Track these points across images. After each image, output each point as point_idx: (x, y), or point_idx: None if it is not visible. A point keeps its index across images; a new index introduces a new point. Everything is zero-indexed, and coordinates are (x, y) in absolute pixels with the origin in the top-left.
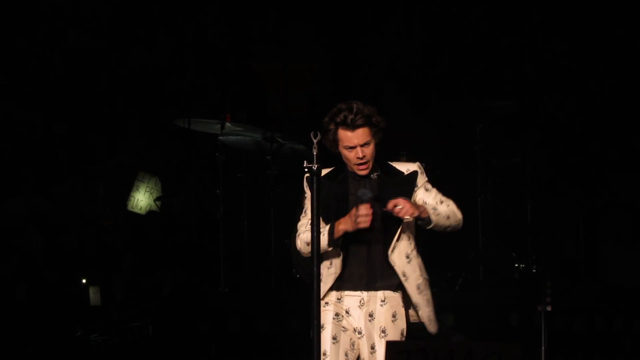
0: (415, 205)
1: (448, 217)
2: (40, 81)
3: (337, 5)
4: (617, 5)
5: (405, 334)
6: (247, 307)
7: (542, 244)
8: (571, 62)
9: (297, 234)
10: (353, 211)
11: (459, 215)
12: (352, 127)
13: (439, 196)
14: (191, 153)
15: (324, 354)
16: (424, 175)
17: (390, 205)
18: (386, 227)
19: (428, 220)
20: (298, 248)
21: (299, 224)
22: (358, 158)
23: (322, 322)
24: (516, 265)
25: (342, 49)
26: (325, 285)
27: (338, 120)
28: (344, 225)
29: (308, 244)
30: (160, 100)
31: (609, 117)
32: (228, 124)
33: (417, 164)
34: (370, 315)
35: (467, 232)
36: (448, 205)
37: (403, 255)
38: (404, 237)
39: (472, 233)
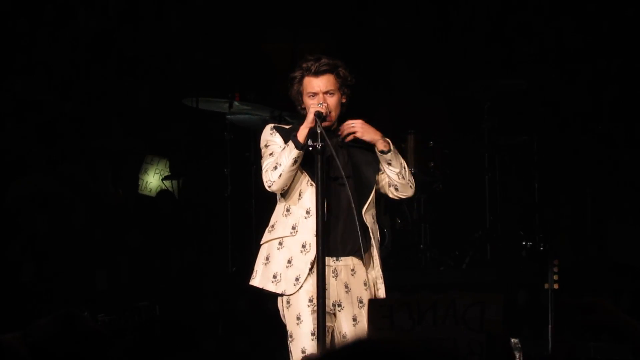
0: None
1: (404, 168)
2: (48, 62)
3: None
4: None
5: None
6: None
7: (549, 222)
8: (579, 40)
9: (264, 170)
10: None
11: (408, 179)
12: (316, 73)
13: None
14: (199, 132)
15: (303, 352)
16: None
17: (345, 126)
18: (357, 185)
19: (388, 151)
20: (267, 180)
21: (264, 163)
22: (322, 105)
23: (297, 312)
24: (523, 243)
25: (351, 27)
26: (304, 236)
27: (304, 66)
28: (305, 123)
29: (276, 167)
30: (169, 79)
31: (617, 95)
32: (236, 103)
33: None
34: (346, 286)
35: (475, 210)
36: (405, 167)
37: (372, 213)
38: (372, 199)
39: (479, 211)
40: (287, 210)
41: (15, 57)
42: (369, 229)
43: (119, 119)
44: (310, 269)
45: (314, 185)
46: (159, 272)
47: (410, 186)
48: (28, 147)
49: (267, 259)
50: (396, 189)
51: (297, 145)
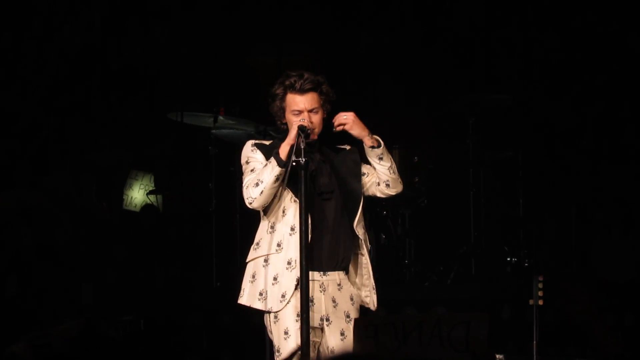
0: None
1: (393, 163)
2: (34, 75)
3: None
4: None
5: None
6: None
7: (534, 237)
8: (564, 56)
9: (245, 186)
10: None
11: (397, 175)
12: (301, 90)
13: None
14: (184, 147)
15: None
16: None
17: (337, 117)
18: (345, 199)
19: (379, 146)
20: (248, 197)
21: (245, 179)
22: (308, 122)
23: (285, 327)
24: (508, 259)
25: (336, 42)
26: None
27: (287, 83)
28: (287, 140)
29: (257, 184)
30: (154, 93)
31: (601, 111)
32: (221, 118)
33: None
34: (334, 300)
35: (459, 226)
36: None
37: (363, 225)
38: (361, 210)
39: (464, 226)
40: (272, 227)
41: (0, 69)
42: (361, 240)
43: (104, 133)
44: (297, 285)
45: (298, 201)
46: (144, 287)
47: (400, 182)
48: (12, 161)
49: (254, 276)
50: (387, 186)
51: (280, 163)
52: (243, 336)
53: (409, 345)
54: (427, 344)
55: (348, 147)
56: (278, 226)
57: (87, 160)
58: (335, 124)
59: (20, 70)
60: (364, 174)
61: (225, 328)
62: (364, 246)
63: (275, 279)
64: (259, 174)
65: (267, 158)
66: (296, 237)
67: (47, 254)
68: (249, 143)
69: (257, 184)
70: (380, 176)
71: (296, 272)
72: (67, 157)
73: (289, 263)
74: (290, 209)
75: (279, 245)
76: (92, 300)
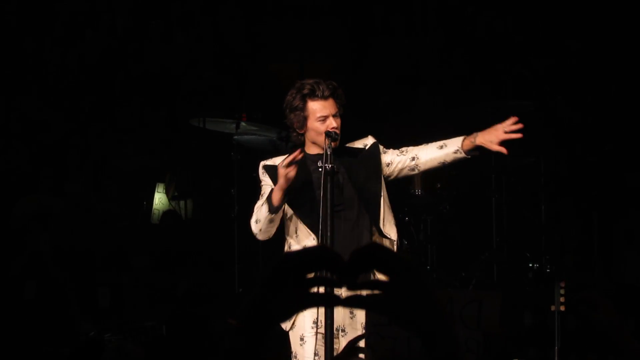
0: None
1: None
2: (56, 81)
3: (353, 3)
4: (633, 5)
5: None
6: None
7: (556, 244)
8: (586, 62)
9: (252, 215)
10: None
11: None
12: (323, 96)
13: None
14: (206, 153)
15: None
16: (381, 146)
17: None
18: (365, 206)
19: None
20: (252, 230)
21: (255, 206)
22: (334, 127)
23: (301, 333)
24: (530, 265)
25: (359, 48)
26: None
27: (305, 92)
28: (277, 186)
29: (256, 222)
30: (176, 99)
31: (625, 117)
32: (243, 124)
33: (370, 136)
34: (351, 312)
35: (481, 232)
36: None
37: (389, 223)
38: (384, 208)
39: (486, 232)
40: (289, 246)
41: (23, 76)
42: (390, 240)
43: (126, 140)
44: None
45: (302, 225)
46: (166, 293)
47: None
48: (35, 167)
49: None
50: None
51: (271, 209)
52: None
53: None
54: None
55: (368, 143)
56: (292, 246)
57: (109, 166)
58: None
59: (42, 76)
60: (389, 163)
61: None
62: (396, 243)
63: None
64: (257, 212)
65: (276, 179)
66: (306, 233)
67: (65, 259)
68: (260, 166)
69: (256, 221)
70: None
71: None
72: (89, 163)
73: None
74: (300, 229)
75: None
76: (108, 304)
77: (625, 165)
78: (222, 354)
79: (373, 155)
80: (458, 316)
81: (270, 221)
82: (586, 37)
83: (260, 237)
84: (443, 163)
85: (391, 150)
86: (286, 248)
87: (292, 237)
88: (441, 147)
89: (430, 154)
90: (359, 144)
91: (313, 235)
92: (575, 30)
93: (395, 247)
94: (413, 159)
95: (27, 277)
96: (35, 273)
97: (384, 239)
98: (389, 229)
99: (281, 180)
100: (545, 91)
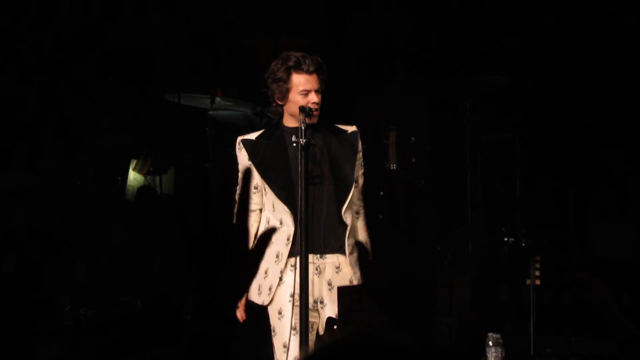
0: None
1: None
2: (31, 57)
3: None
4: None
5: None
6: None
7: (531, 218)
8: (562, 37)
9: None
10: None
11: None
12: (308, 71)
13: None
14: (181, 128)
15: (285, 347)
16: (360, 140)
17: None
18: (336, 184)
19: None
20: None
21: (237, 195)
22: (314, 103)
23: (279, 306)
24: (505, 239)
25: (335, 24)
26: (278, 247)
27: (291, 64)
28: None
29: None
30: (151, 75)
31: (600, 92)
32: (218, 99)
33: (355, 126)
34: (329, 283)
35: (456, 207)
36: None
37: (351, 212)
38: (351, 197)
39: (461, 207)
40: (267, 222)
41: None
42: (348, 228)
43: (102, 116)
44: (292, 267)
45: (278, 201)
46: (141, 268)
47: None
48: (9, 143)
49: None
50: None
51: None
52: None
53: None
54: None
55: (350, 130)
56: (271, 220)
57: (84, 142)
58: None
59: (16, 52)
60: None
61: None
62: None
63: (266, 272)
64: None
65: (252, 153)
66: (283, 230)
67: (40, 234)
68: (237, 141)
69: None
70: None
71: (281, 265)
72: (65, 140)
73: (277, 256)
74: (277, 204)
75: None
76: (86, 279)
77: (600, 141)
78: None
79: (353, 141)
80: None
81: None
82: (561, 11)
83: None
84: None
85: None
86: (264, 222)
87: (270, 212)
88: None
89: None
90: (342, 127)
91: (288, 209)
92: (551, 4)
93: (347, 231)
94: (358, 207)
95: (4, 251)
96: (11, 247)
97: (339, 222)
98: (347, 216)
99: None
100: (520, 66)
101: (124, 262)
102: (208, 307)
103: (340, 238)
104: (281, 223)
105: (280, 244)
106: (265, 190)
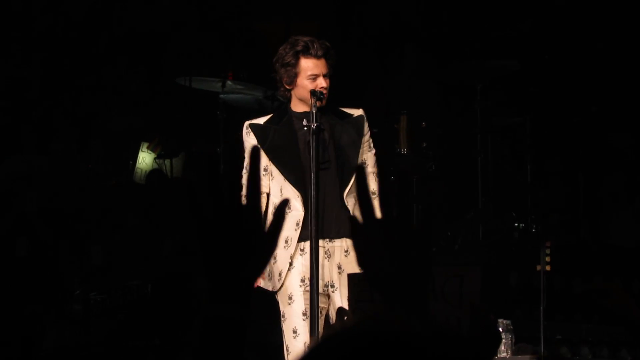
0: None
1: None
2: (41, 39)
3: None
4: None
5: None
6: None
7: (542, 203)
8: (572, 22)
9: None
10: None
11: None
12: (316, 55)
13: (375, 165)
14: (192, 111)
15: (295, 332)
16: (367, 123)
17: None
18: (341, 168)
19: None
20: None
21: (243, 180)
22: (323, 87)
23: (289, 292)
24: (516, 224)
25: (344, 7)
26: (286, 232)
27: (299, 48)
28: None
29: None
30: (162, 58)
31: (611, 77)
32: (229, 83)
33: (362, 110)
34: (339, 267)
35: (467, 191)
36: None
37: (354, 196)
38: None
39: (471, 192)
40: (274, 207)
41: (7, 35)
42: (351, 212)
43: (112, 99)
44: (302, 251)
45: (287, 184)
46: (152, 252)
47: None
48: (20, 126)
49: None
50: None
51: None
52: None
53: None
54: None
55: (356, 113)
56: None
57: (95, 125)
58: None
59: (27, 34)
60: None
61: None
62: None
63: (274, 258)
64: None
65: (261, 138)
66: (292, 215)
67: (53, 217)
68: (244, 125)
69: None
70: None
71: (290, 250)
72: (75, 123)
73: (286, 242)
74: (285, 188)
75: None
76: (101, 261)
77: (610, 125)
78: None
79: (358, 125)
80: (440, 293)
81: None
82: None
83: None
84: None
85: (372, 151)
86: (271, 208)
87: (276, 197)
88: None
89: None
90: (348, 110)
91: (297, 192)
92: None
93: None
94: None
95: (17, 235)
96: (24, 231)
97: (342, 207)
98: (349, 200)
99: None
100: (531, 50)
101: (135, 246)
102: (222, 290)
103: (345, 222)
104: (289, 208)
105: (289, 229)
106: (272, 174)
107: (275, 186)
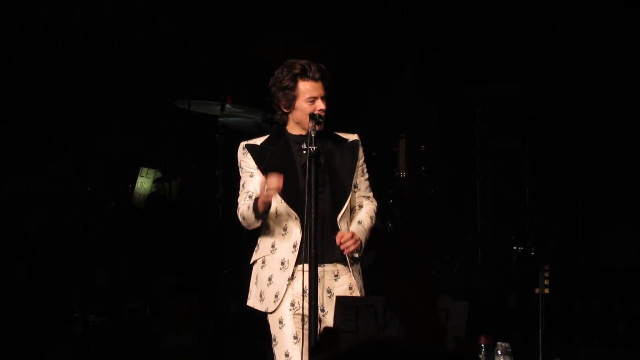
0: (355, 239)
1: (369, 231)
2: (41, 61)
3: None
4: None
5: None
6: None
7: (540, 226)
8: (571, 46)
9: (237, 208)
10: (263, 183)
11: (373, 221)
12: (314, 78)
13: (368, 190)
14: (191, 135)
15: (287, 355)
16: (362, 148)
17: (337, 238)
18: (335, 192)
19: (358, 252)
20: (240, 221)
21: (239, 198)
22: (321, 110)
23: (280, 315)
24: (514, 247)
25: (344, 31)
26: (282, 254)
27: (296, 71)
28: (262, 198)
29: (243, 219)
30: (161, 81)
31: (609, 100)
32: (228, 106)
33: (356, 134)
34: (329, 291)
35: (466, 214)
36: (371, 218)
37: (346, 221)
38: (348, 206)
39: (470, 215)
40: (268, 229)
41: (8, 57)
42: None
43: (112, 121)
44: (291, 278)
45: (284, 204)
46: (152, 274)
47: (371, 226)
48: (19, 148)
49: (256, 278)
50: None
51: (257, 216)
52: (248, 324)
53: (389, 331)
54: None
55: (351, 138)
56: (272, 227)
57: (94, 148)
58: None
59: (27, 56)
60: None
61: (232, 315)
62: None
63: (269, 279)
64: (243, 210)
65: (258, 159)
66: (289, 237)
67: (53, 240)
68: (241, 145)
69: (242, 218)
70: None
71: (288, 272)
72: (75, 145)
73: (282, 263)
74: (280, 210)
75: (272, 246)
76: (106, 283)
77: (609, 147)
78: None
79: (353, 150)
80: None
81: (258, 220)
82: (572, 20)
83: (249, 228)
84: None
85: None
86: (263, 230)
87: (271, 219)
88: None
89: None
90: (343, 135)
91: (295, 215)
92: (562, 13)
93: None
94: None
95: (17, 258)
96: (24, 254)
97: (334, 230)
98: (342, 224)
99: (269, 193)
100: (530, 74)
101: (136, 268)
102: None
103: (337, 246)
104: (285, 230)
105: (285, 251)
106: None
107: (271, 209)
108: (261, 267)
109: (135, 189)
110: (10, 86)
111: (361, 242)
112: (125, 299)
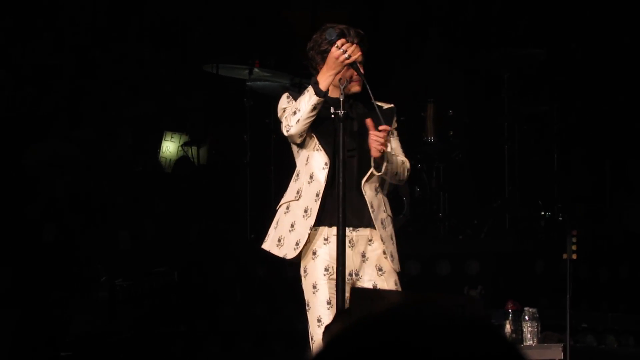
0: (384, 141)
1: (396, 174)
2: (68, 27)
3: None
4: None
5: (399, 269)
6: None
7: (568, 192)
8: (599, 11)
9: (283, 124)
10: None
11: (404, 176)
12: (352, 42)
13: (400, 150)
14: (219, 99)
15: (319, 321)
16: (396, 117)
17: (372, 135)
18: (362, 157)
19: (380, 165)
20: (286, 125)
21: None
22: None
23: (314, 280)
24: (542, 213)
25: None
26: (306, 202)
27: (337, 31)
28: (327, 67)
29: (295, 112)
30: (188, 46)
31: (637, 67)
32: (256, 70)
33: (393, 105)
34: (363, 255)
35: (494, 180)
36: (403, 162)
37: (373, 187)
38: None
39: (498, 180)
40: (297, 175)
41: (35, 22)
42: (368, 203)
43: (140, 86)
44: (326, 240)
45: (321, 150)
46: (178, 239)
47: (402, 179)
48: (47, 113)
49: (277, 223)
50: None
51: (318, 93)
52: (277, 288)
53: None
54: None
55: (386, 106)
56: (301, 174)
57: (123, 113)
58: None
59: (55, 21)
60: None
61: (259, 280)
62: (377, 210)
63: (292, 226)
64: (297, 103)
65: None
66: (314, 185)
67: (81, 204)
68: (284, 95)
69: (294, 112)
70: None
71: (310, 221)
72: (103, 110)
73: (305, 211)
74: (313, 157)
75: (297, 192)
76: (129, 246)
77: (636, 114)
78: None
79: (388, 117)
80: None
81: (314, 108)
82: None
83: (295, 129)
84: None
85: (397, 139)
86: (294, 175)
87: (302, 165)
88: None
89: None
90: (379, 103)
91: (327, 159)
92: None
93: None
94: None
95: (45, 221)
96: (52, 217)
97: (360, 196)
98: (366, 189)
99: (338, 61)
100: (558, 39)
101: (162, 233)
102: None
103: (364, 211)
104: (311, 178)
105: (309, 199)
106: (304, 144)
107: (303, 155)
108: (285, 213)
109: (161, 153)
110: (38, 49)
111: (385, 154)
112: (151, 264)
